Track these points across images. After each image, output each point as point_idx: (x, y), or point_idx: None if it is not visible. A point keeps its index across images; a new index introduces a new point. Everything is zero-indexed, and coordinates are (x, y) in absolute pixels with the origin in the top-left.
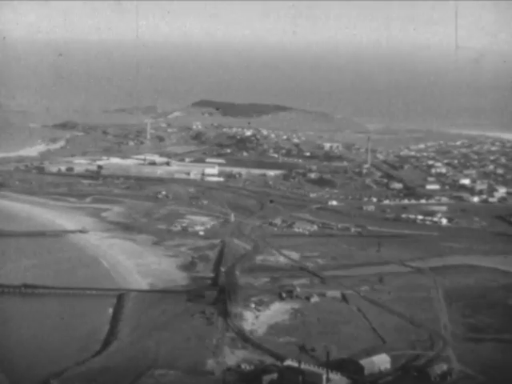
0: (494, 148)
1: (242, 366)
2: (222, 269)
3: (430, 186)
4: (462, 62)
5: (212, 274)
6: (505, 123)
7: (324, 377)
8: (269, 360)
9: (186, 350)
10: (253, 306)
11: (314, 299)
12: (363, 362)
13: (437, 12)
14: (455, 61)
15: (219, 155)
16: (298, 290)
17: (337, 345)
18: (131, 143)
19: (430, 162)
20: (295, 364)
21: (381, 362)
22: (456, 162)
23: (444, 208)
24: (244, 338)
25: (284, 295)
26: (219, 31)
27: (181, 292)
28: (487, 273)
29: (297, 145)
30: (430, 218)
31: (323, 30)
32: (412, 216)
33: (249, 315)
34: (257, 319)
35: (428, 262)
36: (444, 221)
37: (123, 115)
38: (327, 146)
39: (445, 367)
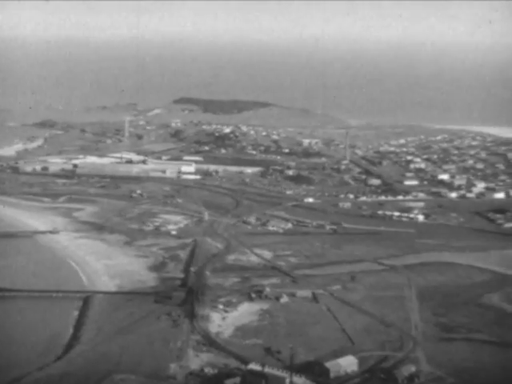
0: (474, 143)
1: (206, 370)
2: (192, 269)
3: (408, 182)
4: (444, 57)
5: (182, 275)
6: (487, 117)
7: (287, 380)
8: (233, 363)
9: (150, 353)
10: (220, 307)
11: (284, 299)
12: (329, 364)
13: (421, 8)
14: (438, 56)
15: (197, 153)
16: (268, 290)
17: (304, 346)
18: (109, 141)
19: (409, 158)
20: (259, 367)
21: (347, 364)
22: (435, 157)
23: (421, 204)
24: (209, 341)
25: (253, 296)
26: (202, 29)
27: (148, 293)
28: (462, 270)
29: (275, 141)
30: (406, 215)
31: (305, 26)
32: (388, 212)
33: (216, 317)
34: (224, 321)
35: (402, 260)
36: (420, 217)
37: (105, 113)
38: (306, 142)
39: (413, 369)
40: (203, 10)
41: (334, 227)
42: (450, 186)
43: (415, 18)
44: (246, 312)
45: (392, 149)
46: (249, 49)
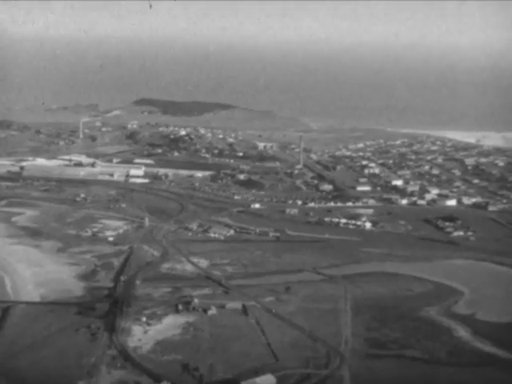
0: (434, 147)
1: None
2: (122, 278)
3: (360, 188)
4: (409, 59)
5: (111, 284)
6: (448, 121)
7: None
8: (146, 381)
9: (60, 369)
10: (144, 319)
11: (212, 312)
12: (245, 383)
13: (382, 9)
14: (403, 59)
15: (150, 155)
16: (196, 301)
17: (225, 363)
18: (62, 143)
19: (365, 163)
20: None
21: (265, 383)
22: (391, 162)
23: (370, 211)
24: (125, 356)
25: (180, 307)
26: (165, 29)
27: (71, 304)
28: (403, 281)
29: (230, 144)
30: (353, 222)
31: (269, 27)
32: (335, 219)
33: (137, 330)
34: (145, 334)
35: (343, 270)
36: (368, 225)
37: (65, 114)
38: (261, 145)
39: None
40: (164, 9)
41: (278, 234)
42: (403, 192)
43: (374, 19)
44: (170, 325)
45: (348, 153)
46: (217, 50)
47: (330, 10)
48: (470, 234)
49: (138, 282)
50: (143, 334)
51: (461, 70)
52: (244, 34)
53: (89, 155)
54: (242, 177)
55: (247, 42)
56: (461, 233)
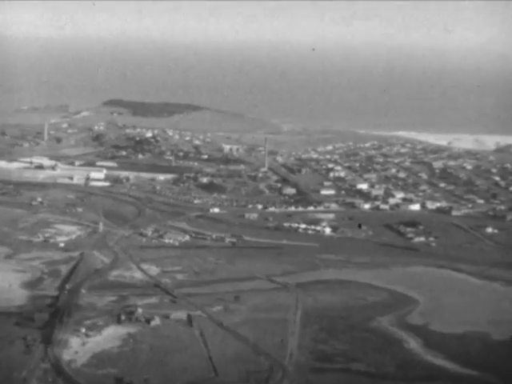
0: (403, 150)
1: None
2: (68, 286)
3: (324, 191)
4: (382, 60)
5: (56, 293)
6: (421, 123)
7: None
8: None
9: None
10: (83, 330)
11: (155, 322)
12: None
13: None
14: (376, 59)
15: (113, 158)
16: (140, 311)
17: (161, 377)
18: (26, 145)
19: (331, 165)
20: None
21: None
22: (358, 165)
23: (331, 216)
24: (58, 370)
25: (123, 317)
26: (139, 29)
27: (11, 314)
28: (358, 289)
29: (196, 147)
30: (313, 227)
31: (239, 28)
32: (295, 225)
33: (75, 342)
34: (83, 346)
35: (297, 277)
36: (327, 230)
37: (34, 115)
38: (227, 148)
39: None
40: (137, 9)
41: (234, 240)
42: (367, 196)
43: (350, 19)
44: (109, 336)
45: (315, 156)
46: (189, 52)
47: (301, 10)
48: (431, 239)
49: (83, 291)
50: (81, 346)
51: (440, 72)
52: (214, 36)
53: (51, 157)
54: (204, 180)
55: (219, 43)
56: (422, 238)
